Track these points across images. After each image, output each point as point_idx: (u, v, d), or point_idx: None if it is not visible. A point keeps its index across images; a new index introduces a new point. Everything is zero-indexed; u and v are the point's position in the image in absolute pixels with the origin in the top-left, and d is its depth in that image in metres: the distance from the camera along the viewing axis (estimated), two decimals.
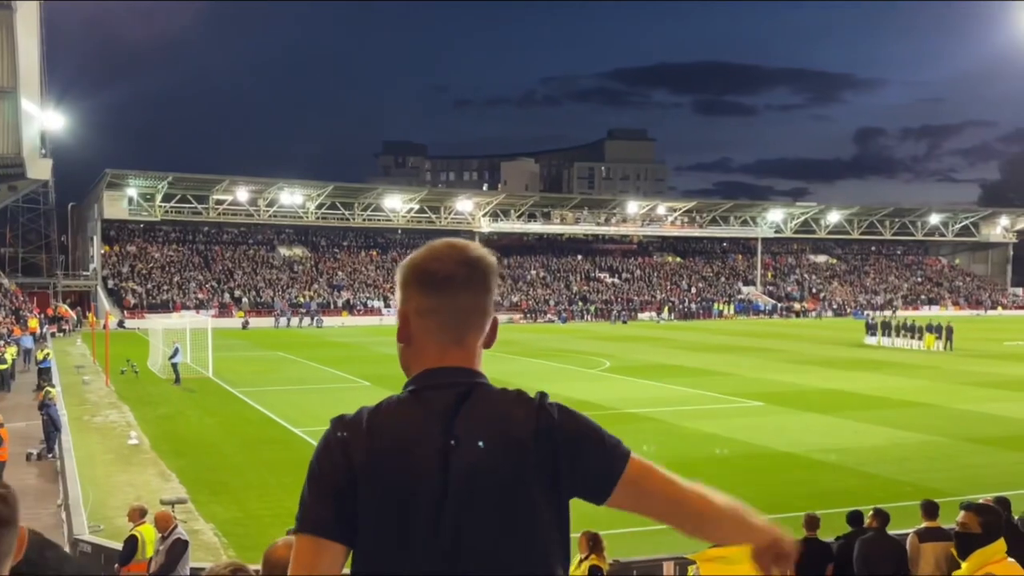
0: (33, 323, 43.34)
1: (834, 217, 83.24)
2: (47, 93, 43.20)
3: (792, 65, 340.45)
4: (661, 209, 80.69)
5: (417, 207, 72.93)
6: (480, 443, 1.63)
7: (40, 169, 47.47)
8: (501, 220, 75.40)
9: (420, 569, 1.61)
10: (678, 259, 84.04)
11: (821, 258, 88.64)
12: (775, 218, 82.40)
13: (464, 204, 73.38)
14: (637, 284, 77.57)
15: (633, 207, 79.42)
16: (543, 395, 1.72)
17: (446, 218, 73.67)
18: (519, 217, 76.50)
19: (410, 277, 1.75)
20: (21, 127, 42.33)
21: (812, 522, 8.52)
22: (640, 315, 70.09)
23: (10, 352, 31.43)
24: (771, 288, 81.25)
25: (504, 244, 79.42)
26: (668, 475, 1.73)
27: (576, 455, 1.67)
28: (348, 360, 36.13)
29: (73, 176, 69.08)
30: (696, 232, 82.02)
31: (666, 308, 71.84)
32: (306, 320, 61.45)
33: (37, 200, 63.16)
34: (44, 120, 44.43)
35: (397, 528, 1.62)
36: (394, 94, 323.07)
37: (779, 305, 76.69)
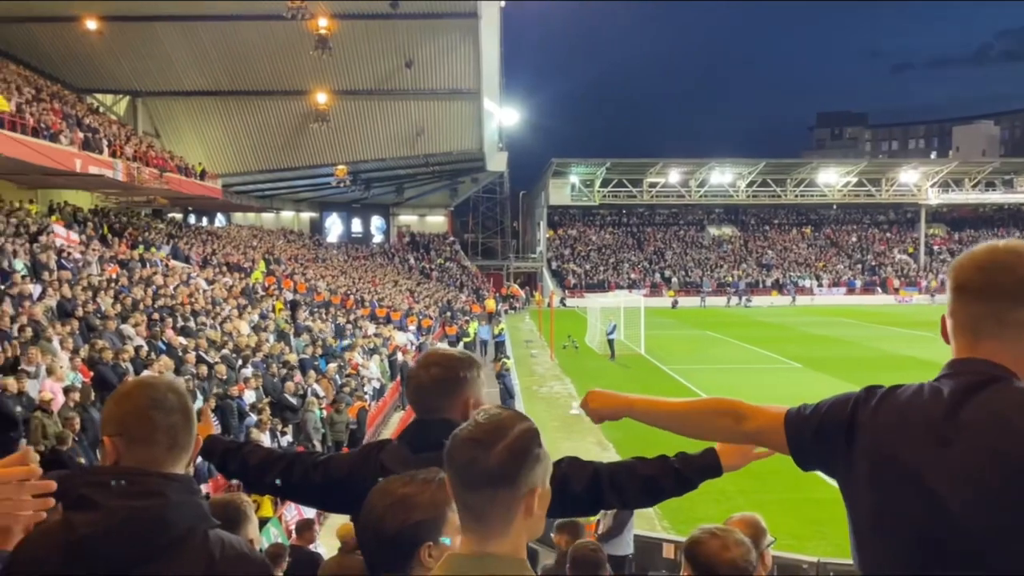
0: (490, 304, 48.27)
1: None
2: (504, 91, 47.83)
3: None
4: None
5: (854, 180, 68.77)
6: (980, 438, 1.57)
7: (497, 161, 53.04)
8: (952, 191, 68.19)
9: (900, 551, 1.64)
10: None
11: None
12: None
13: (909, 175, 67.52)
14: None
15: None
16: None
17: (887, 191, 68.52)
18: (974, 186, 68.54)
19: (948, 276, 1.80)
20: (483, 125, 47.55)
21: None
22: None
23: (472, 327, 35.58)
24: None
25: (955, 217, 72.06)
26: None
27: None
28: (778, 340, 35.35)
29: (524, 166, 75.96)
30: None
31: None
32: (733, 299, 61.35)
33: (494, 190, 70.53)
34: (501, 116, 49.37)
35: (878, 504, 1.67)
36: (827, 63, 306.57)
37: None
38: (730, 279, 64.90)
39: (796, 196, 69.57)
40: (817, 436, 1.84)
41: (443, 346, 30.77)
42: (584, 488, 2.44)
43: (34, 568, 1.71)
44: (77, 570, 1.68)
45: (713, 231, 73.30)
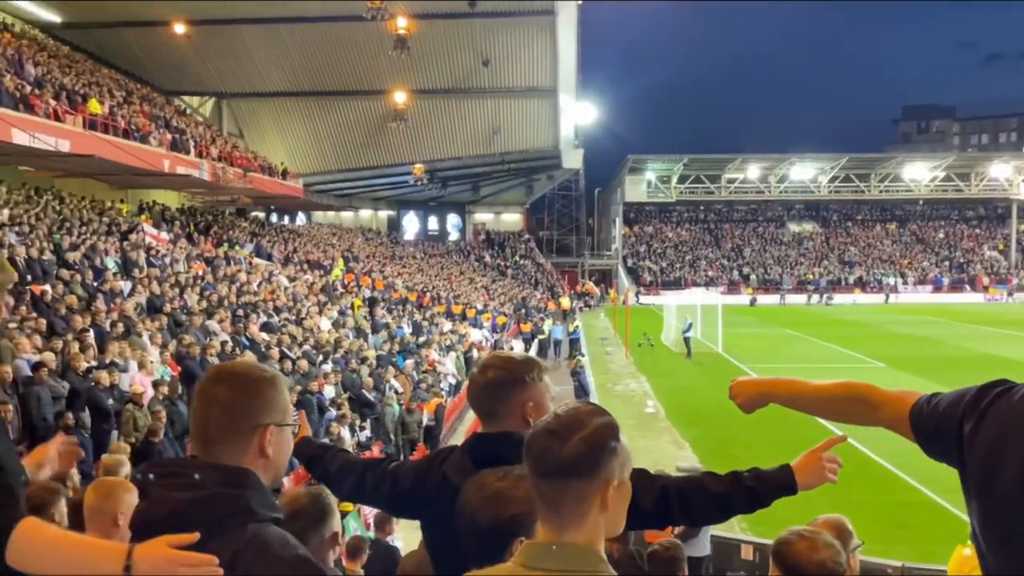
0: (565, 302, 48.06)
1: None
2: (580, 88, 47.59)
3: None
4: None
5: (942, 175, 66.57)
6: None
7: (573, 159, 52.80)
8: None
9: (1003, 568, 1.60)
10: None
11: None
12: None
13: (999, 169, 65.05)
14: None
15: None
16: None
17: (976, 186, 66.13)
18: None
19: None
20: (559, 122, 47.45)
21: None
22: None
23: (547, 323, 35.55)
24: None
25: None
26: None
27: None
28: (859, 339, 34.44)
29: (599, 163, 75.47)
30: None
31: None
32: (814, 297, 60.02)
33: (570, 187, 70.30)
34: (577, 113, 49.10)
35: (982, 519, 1.63)
36: (915, 56, 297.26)
37: None
38: (811, 276, 63.49)
39: (880, 191, 67.66)
40: (935, 438, 1.80)
41: (516, 344, 30.91)
42: (652, 504, 2.39)
43: None
44: None
45: (793, 227, 71.81)
